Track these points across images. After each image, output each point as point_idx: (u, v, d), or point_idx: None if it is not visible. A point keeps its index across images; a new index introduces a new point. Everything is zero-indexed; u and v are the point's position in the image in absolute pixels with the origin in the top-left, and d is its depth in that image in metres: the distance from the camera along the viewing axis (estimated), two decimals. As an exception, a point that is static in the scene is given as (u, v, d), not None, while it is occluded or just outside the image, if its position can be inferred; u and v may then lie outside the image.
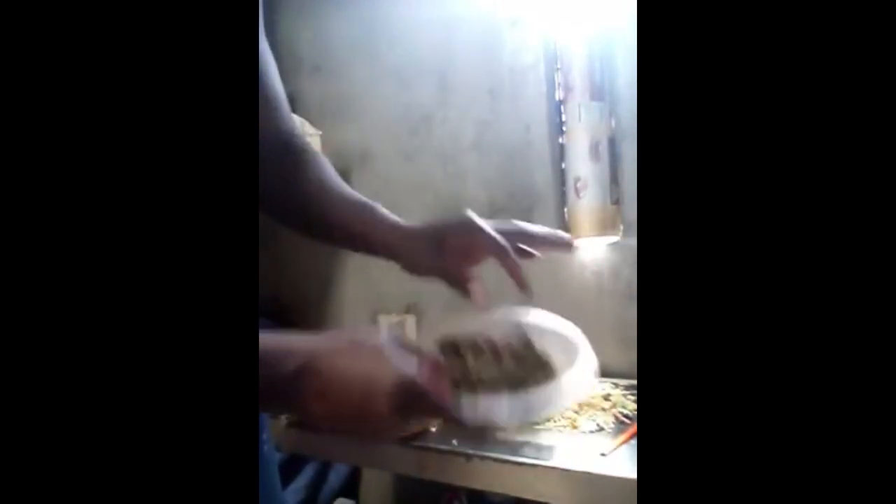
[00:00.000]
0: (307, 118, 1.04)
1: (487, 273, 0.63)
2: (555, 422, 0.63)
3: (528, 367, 0.48)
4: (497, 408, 0.41)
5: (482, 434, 0.42)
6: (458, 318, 0.56)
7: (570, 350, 0.49)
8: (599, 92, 0.81)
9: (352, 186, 1.05)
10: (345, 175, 1.07)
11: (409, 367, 0.37)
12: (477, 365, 0.47)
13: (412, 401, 0.37)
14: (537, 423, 0.47)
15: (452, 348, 0.49)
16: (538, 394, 0.43)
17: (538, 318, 0.57)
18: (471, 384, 0.45)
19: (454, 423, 0.40)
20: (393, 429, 0.38)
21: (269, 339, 0.35)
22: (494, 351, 0.50)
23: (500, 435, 0.46)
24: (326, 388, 0.36)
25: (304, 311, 0.97)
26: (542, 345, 0.52)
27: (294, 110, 1.08)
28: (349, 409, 0.36)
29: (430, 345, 0.47)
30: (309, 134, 1.01)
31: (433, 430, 0.57)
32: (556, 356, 0.50)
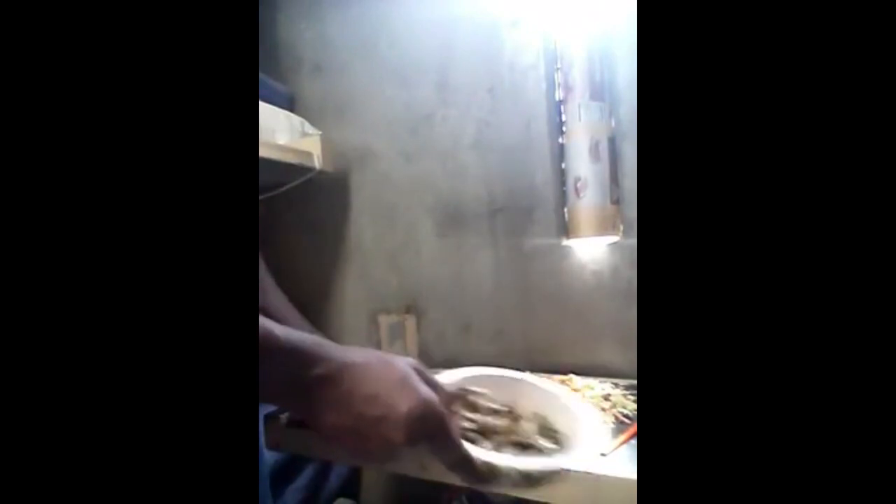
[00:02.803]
0: (307, 118, 1.04)
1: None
2: (555, 422, 0.64)
3: (537, 436, 0.49)
4: (502, 461, 0.43)
5: (479, 483, 0.41)
6: (475, 377, 0.57)
7: (578, 430, 0.52)
8: (599, 92, 0.81)
9: (352, 186, 1.05)
10: (345, 175, 1.08)
11: (432, 395, 0.38)
12: (491, 420, 0.49)
13: (426, 429, 0.36)
14: (537, 485, 0.46)
15: (469, 400, 0.50)
16: (541, 461, 0.46)
17: (561, 394, 0.59)
18: (480, 434, 0.46)
19: (453, 464, 0.39)
20: (395, 453, 0.37)
21: (300, 339, 0.36)
22: (512, 416, 0.51)
23: (496, 489, 0.45)
24: (348, 400, 0.36)
25: (304, 311, 0.97)
26: (557, 420, 0.53)
27: (294, 110, 1.08)
28: (362, 425, 0.35)
29: (449, 387, 0.48)
30: (309, 134, 1.01)
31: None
32: (566, 433, 0.52)
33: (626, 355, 0.83)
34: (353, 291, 1.11)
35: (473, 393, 0.51)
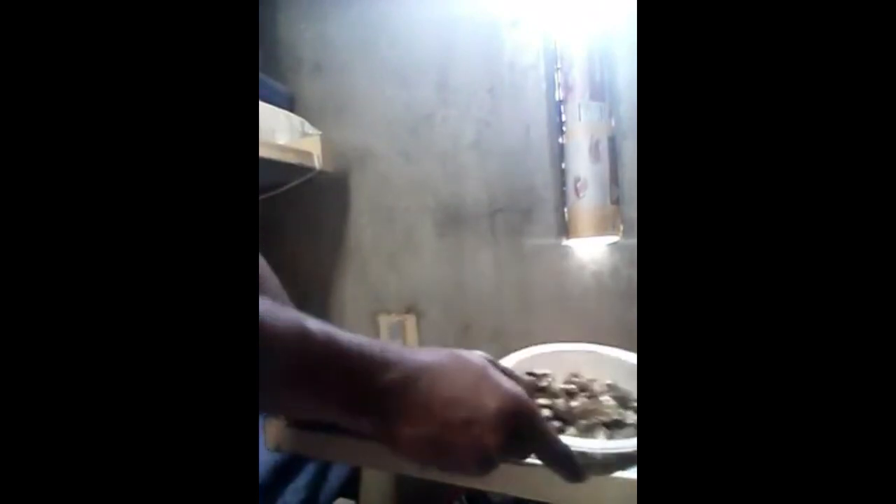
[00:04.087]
0: (307, 118, 1.04)
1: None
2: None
3: (620, 410, 0.47)
4: (596, 447, 0.41)
5: (575, 473, 0.36)
6: (536, 356, 0.53)
7: None
8: (599, 92, 0.81)
9: (352, 186, 1.05)
10: (345, 175, 1.08)
11: (517, 387, 0.33)
12: (572, 404, 0.46)
13: (520, 426, 0.32)
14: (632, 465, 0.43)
15: (538, 386, 0.47)
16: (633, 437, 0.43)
17: (614, 354, 0.56)
18: (562, 421, 0.44)
19: (554, 460, 0.36)
20: (490, 460, 0.32)
21: (362, 343, 0.31)
22: (587, 393, 0.48)
23: (593, 474, 0.41)
24: (427, 406, 0.30)
25: (305, 311, 0.97)
26: (632, 386, 0.50)
27: (294, 110, 1.08)
28: (448, 433, 0.30)
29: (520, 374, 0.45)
30: (309, 134, 1.01)
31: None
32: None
33: (626, 355, 0.83)
34: (353, 292, 1.11)
35: (541, 377, 0.48)
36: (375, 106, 1.05)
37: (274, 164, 0.90)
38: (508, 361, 0.50)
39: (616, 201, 0.82)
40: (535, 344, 0.91)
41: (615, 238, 0.83)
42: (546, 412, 0.42)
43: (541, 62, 0.90)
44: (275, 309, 0.29)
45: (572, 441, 0.39)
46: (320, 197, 1.11)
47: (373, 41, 1.05)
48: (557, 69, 0.86)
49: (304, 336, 0.30)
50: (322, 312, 1.13)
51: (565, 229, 0.87)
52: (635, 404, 0.47)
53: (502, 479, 0.55)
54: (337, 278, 1.12)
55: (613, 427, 0.45)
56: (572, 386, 0.48)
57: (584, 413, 0.45)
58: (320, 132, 1.03)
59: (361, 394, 0.30)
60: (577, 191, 0.82)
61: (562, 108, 0.85)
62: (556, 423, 0.42)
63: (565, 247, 0.89)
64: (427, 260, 1.02)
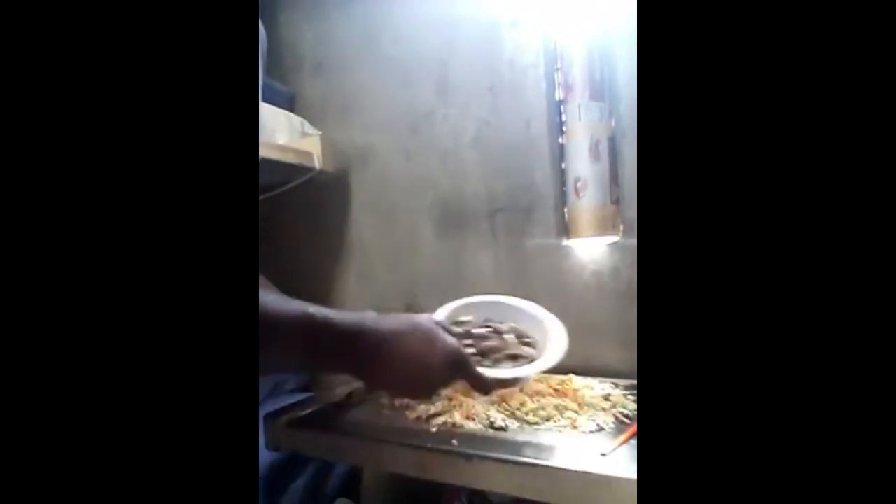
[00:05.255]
0: (308, 117, 1.04)
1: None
2: (555, 422, 0.64)
3: (520, 346, 0.66)
4: (506, 374, 0.59)
5: (487, 390, 0.57)
6: (462, 306, 0.72)
7: (543, 329, 0.69)
8: (599, 91, 0.81)
9: (352, 186, 1.05)
10: (345, 174, 1.08)
11: (455, 342, 0.52)
12: (486, 345, 0.63)
13: (455, 368, 0.51)
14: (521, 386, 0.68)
15: (465, 332, 0.65)
16: (530, 364, 0.62)
17: (515, 303, 0.75)
18: (480, 356, 0.61)
19: (478, 387, 0.55)
20: (435, 391, 0.55)
21: (341, 320, 0.45)
22: (497, 333, 0.67)
23: (500, 388, 0.64)
24: (391, 363, 0.47)
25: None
26: (524, 327, 0.70)
27: (294, 109, 1.08)
28: (406, 379, 0.48)
29: (448, 322, 0.63)
30: (309, 134, 1.01)
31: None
32: (535, 335, 0.69)
33: (626, 355, 0.83)
34: (354, 290, 1.11)
35: (464, 323, 0.67)
36: (376, 105, 1.05)
37: (274, 164, 0.90)
38: (443, 311, 0.68)
39: (616, 201, 0.82)
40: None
41: (615, 238, 0.83)
42: (470, 350, 0.59)
43: (541, 61, 0.89)
44: (282, 300, 0.42)
45: (487, 371, 0.58)
46: (320, 197, 1.11)
47: (374, 40, 1.05)
48: (557, 69, 0.86)
49: (308, 319, 0.43)
50: (322, 312, 1.13)
51: (565, 229, 0.87)
52: (529, 340, 0.67)
53: (503, 479, 0.55)
54: (337, 277, 1.12)
55: (515, 359, 0.63)
56: (485, 329, 0.66)
57: (494, 349, 0.64)
58: (320, 132, 1.03)
59: (349, 355, 0.46)
60: (577, 191, 0.82)
61: (562, 107, 0.85)
62: (477, 358, 0.59)
63: (565, 247, 0.89)
64: (427, 259, 1.02)
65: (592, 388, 0.75)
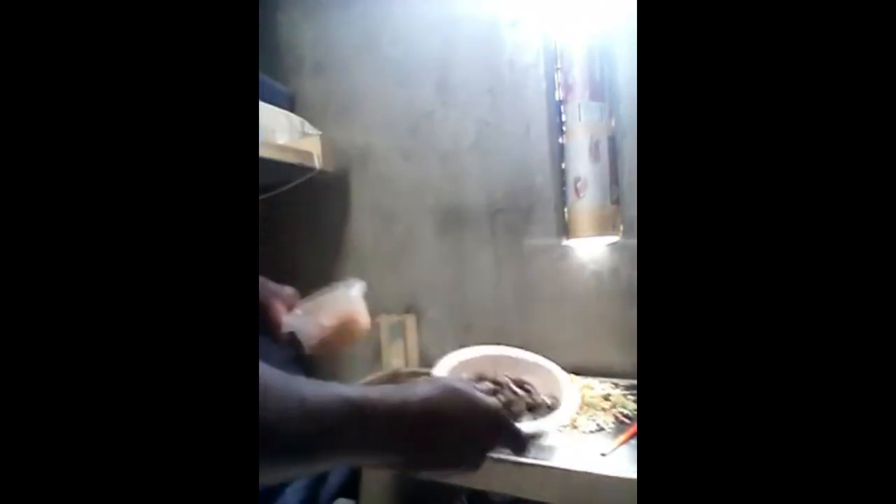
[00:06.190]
0: (307, 118, 1.04)
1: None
2: (555, 422, 0.64)
3: (533, 396, 0.63)
4: (535, 427, 0.55)
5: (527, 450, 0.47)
6: (464, 362, 0.68)
7: (549, 376, 0.66)
8: (599, 91, 0.81)
9: (352, 186, 1.05)
10: (345, 175, 1.08)
11: (495, 403, 0.43)
12: (511, 399, 0.60)
13: (498, 428, 0.42)
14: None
15: (490, 390, 0.61)
16: (553, 414, 0.59)
17: (516, 354, 0.72)
18: (513, 414, 0.59)
19: (519, 447, 0.45)
20: (484, 459, 0.42)
21: (378, 398, 0.37)
22: (519, 387, 0.63)
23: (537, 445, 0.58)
24: (442, 432, 0.39)
25: (304, 311, 0.98)
26: (530, 377, 0.67)
27: (294, 109, 1.08)
28: (457, 448, 0.40)
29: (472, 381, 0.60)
30: (309, 134, 1.01)
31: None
32: (540, 384, 0.65)
33: (626, 355, 0.83)
34: (353, 291, 1.11)
35: (485, 377, 0.64)
36: (376, 105, 1.05)
37: (274, 164, 0.90)
38: (444, 367, 0.65)
39: (616, 201, 0.82)
40: (534, 343, 0.91)
41: (615, 238, 0.83)
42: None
43: (541, 61, 0.89)
44: (317, 386, 0.34)
45: (524, 426, 0.52)
46: (320, 197, 1.11)
47: (374, 40, 1.05)
48: (557, 69, 0.86)
49: (348, 404, 0.35)
50: (322, 312, 1.13)
51: (565, 229, 0.87)
52: (535, 390, 0.64)
53: (502, 479, 0.55)
54: (337, 278, 1.12)
55: (533, 410, 0.60)
56: (496, 385, 0.63)
57: (513, 402, 0.61)
58: (320, 132, 1.03)
59: (398, 436, 0.37)
60: (577, 191, 0.82)
61: (562, 107, 0.85)
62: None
63: (565, 247, 0.89)
64: (427, 259, 1.02)
65: (592, 388, 0.75)
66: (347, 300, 0.59)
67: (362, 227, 1.09)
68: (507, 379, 0.64)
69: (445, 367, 0.65)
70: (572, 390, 0.62)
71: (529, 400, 0.62)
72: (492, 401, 0.43)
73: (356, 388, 0.37)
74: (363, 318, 0.60)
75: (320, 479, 0.94)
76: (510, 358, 0.69)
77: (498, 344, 0.77)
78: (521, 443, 0.45)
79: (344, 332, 0.58)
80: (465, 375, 0.63)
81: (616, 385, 0.76)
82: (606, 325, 0.86)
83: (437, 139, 0.99)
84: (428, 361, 1.02)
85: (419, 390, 0.40)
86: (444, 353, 0.81)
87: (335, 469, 0.97)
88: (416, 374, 0.92)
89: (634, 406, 0.67)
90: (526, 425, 0.55)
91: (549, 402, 0.62)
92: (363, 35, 1.06)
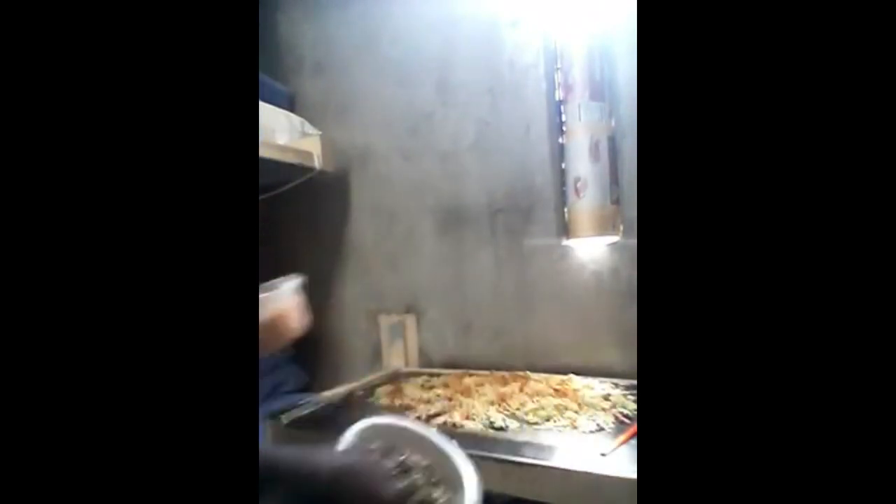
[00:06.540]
0: (307, 118, 1.04)
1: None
2: (555, 422, 0.64)
3: (430, 486, 0.53)
4: None
5: None
6: (369, 427, 0.60)
7: (450, 464, 0.56)
8: (599, 91, 0.81)
9: (352, 186, 1.04)
10: (345, 175, 1.08)
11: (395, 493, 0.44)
12: (415, 487, 0.52)
13: None
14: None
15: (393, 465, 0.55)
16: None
17: (423, 431, 0.63)
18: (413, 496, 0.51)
19: None
20: None
21: (289, 457, 0.42)
22: (405, 473, 0.54)
23: None
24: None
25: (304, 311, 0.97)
26: (431, 460, 0.58)
27: (294, 109, 1.08)
28: None
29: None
30: (309, 134, 1.01)
31: None
32: (440, 470, 0.56)
33: (626, 355, 0.83)
34: (354, 291, 1.11)
35: (375, 452, 0.56)
36: (376, 105, 1.05)
37: (274, 164, 0.90)
38: (352, 434, 0.59)
39: (616, 201, 0.82)
40: (535, 344, 0.91)
41: (615, 238, 0.83)
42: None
43: (541, 61, 0.89)
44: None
45: None
46: (320, 197, 1.11)
47: (373, 40, 1.05)
48: (557, 69, 0.86)
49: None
50: (322, 312, 1.13)
51: (565, 229, 0.87)
52: (437, 480, 0.56)
53: (502, 479, 0.55)
54: (337, 278, 1.12)
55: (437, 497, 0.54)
56: (395, 464, 0.56)
57: (406, 494, 0.54)
58: (320, 132, 1.03)
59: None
60: (577, 191, 0.82)
61: (562, 107, 0.85)
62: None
63: (565, 247, 0.89)
64: (427, 259, 1.02)
65: (592, 388, 0.75)
66: (277, 298, 0.57)
67: (362, 227, 1.09)
68: (405, 459, 0.58)
69: (354, 432, 0.61)
70: (470, 484, 0.54)
71: (425, 492, 0.55)
72: (392, 491, 0.44)
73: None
74: (295, 314, 0.58)
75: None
76: (414, 433, 0.67)
77: (497, 343, 0.75)
78: None
79: (273, 330, 0.56)
80: (371, 445, 0.62)
81: (616, 385, 0.76)
82: (606, 325, 0.86)
83: (437, 139, 0.99)
84: (428, 362, 1.02)
85: (329, 459, 0.44)
86: (444, 352, 0.80)
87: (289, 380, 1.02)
88: (416, 374, 0.92)
89: (634, 406, 0.67)
90: None
91: (442, 498, 0.55)
92: (363, 35, 1.06)
